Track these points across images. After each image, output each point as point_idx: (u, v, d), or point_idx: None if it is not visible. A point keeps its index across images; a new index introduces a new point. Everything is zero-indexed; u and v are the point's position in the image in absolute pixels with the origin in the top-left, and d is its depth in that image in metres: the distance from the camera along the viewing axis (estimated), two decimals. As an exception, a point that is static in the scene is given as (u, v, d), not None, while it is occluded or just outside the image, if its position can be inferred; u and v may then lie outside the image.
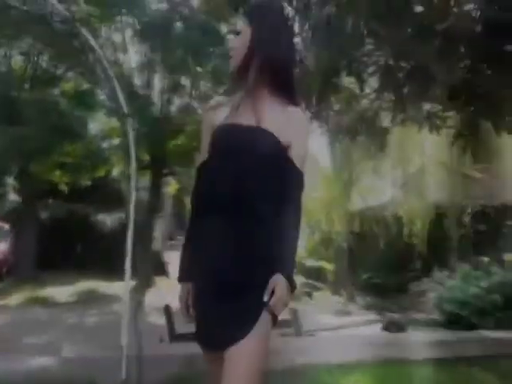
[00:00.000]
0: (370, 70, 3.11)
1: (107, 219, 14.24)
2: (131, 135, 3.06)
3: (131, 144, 3.06)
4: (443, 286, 9.26)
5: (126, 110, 3.04)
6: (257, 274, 1.37)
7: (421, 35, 2.32)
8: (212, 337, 1.42)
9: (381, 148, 4.10)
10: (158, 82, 10.29)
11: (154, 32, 7.97)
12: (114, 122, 10.20)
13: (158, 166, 10.86)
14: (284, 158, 1.45)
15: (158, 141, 9.80)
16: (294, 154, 1.46)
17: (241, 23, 1.53)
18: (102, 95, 9.57)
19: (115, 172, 13.24)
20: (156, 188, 11.47)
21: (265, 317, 1.34)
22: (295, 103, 1.53)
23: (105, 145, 11.47)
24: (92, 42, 2.93)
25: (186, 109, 10.26)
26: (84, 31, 2.90)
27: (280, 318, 1.45)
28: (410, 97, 2.97)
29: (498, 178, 10.26)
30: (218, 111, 1.53)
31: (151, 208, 11.69)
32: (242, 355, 1.32)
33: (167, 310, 4.95)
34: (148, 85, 10.09)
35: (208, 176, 1.50)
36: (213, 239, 1.43)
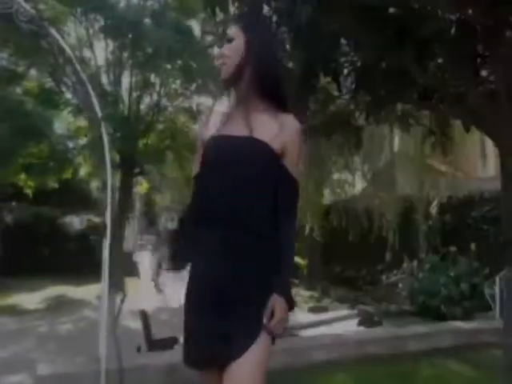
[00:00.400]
0: (347, 70, 3.14)
1: (74, 221, 13.88)
2: (106, 141, 2.97)
3: (106, 150, 2.97)
4: (414, 277, 9.56)
5: (99, 114, 2.94)
6: (254, 292, 1.37)
7: (398, 37, 2.36)
8: (205, 355, 1.39)
9: (356, 146, 4.15)
10: (127, 79, 10.04)
11: (121, 29, 7.75)
12: (81, 121, 9.91)
13: (128, 166, 10.63)
14: (277, 167, 1.44)
15: (128, 140, 9.59)
16: (288, 162, 1.46)
17: (232, 30, 1.50)
18: (67, 93, 9.25)
19: (82, 172, 12.87)
20: (127, 188, 11.24)
21: (264, 336, 1.34)
22: (286, 110, 1.52)
23: (71, 145, 11.11)
24: (62, 42, 2.82)
25: (156, 107, 10.07)
26: (53, 31, 2.79)
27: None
28: (387, 97, 3.02)
29: (461, 171, 10.64)
30: (210, 125, 1.53)
31: (122, 208, 11.45)
32: (241, 372, 1.31)
33: (143, 316, 4.81)
34: (116, 83, 9.83)
35: (201, 188, 1.49)
36: (209, 255, 1.41)
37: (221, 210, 1.40)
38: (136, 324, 5.35)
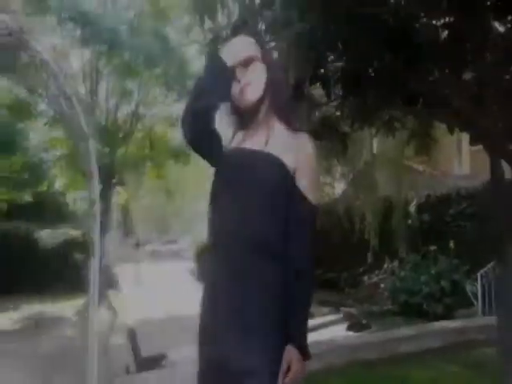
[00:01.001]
0: (335, 76, 3.15)
1: (50, 236, 13.47)
2: (93, 158, 2.89)
3: (94, 167, 2.88)
4: (395, 277, 9.69)
5: (86, 128, 2.85)
6: (267, 339, 1.29)
7: (389, 43, 2.39)
8: None
9: (342, 152, 4.18)
10: (104, 87, 9.84)
11: (98, 37, 7.61)
12: (55, 132, 9.64)
13: (106, 176, 10.41)
14: (291, 185, 1.39)
15: (105, 149, 9.41)
16: (302, 181, 1.41)
17: (247, 51, 1.45)
18: (41, 104, 8.99)
19: (58, 185, 12.53)
20: (105, 199, 11.00)
21: None
22: (296, 129, 1.50)
23: (47, 156, 10.80)
24: (45, 55, 2.72)
25: (134, 115, 9.92)
26: (34, 43, 2.69)
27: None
28: (376, 103, 3.05)
29: (438, 169, 10.91)
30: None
31: (100, 220, 11.19)
32: None
33: (131, 335, 4.63)
34: (92, 91, 9.63)
35: (216, 208, 1.45)
36: (223, 285, 1.35)
37: (235, 234, 1.36)
38: (120, 339, 5.19)
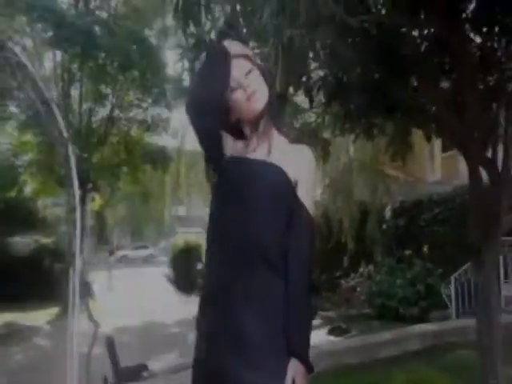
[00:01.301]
0: (318, 84, 3.18)
1: (21, 243, 12.99)
2: (73, 163, 2.79)
3: (73, 173, 2.78)
4: (372, 281, 9.84)
5: (65, 133, 2.75)
6: (268, 351, 1.27)
7: (373, 53, 2.43)
8: None
9: (324, 158, 4.21)
10: (77, 90, 9.59)
11: (72, 38, 7.41)
12: (26, 136, 9.33)
13: (80, 182, 10.11)
14: (293, 196, 1.38)
15: (79, 154, 9.15)
16: (302, 193, 1.39)
17: (242, 61, 1.43)
18: (12, 107, 8.67)
19: (28, 190, 12.10)
20: (79, 205, 10.69)
21: None
22: (291, 139, 1.51)
23: (17, 161, 10.42)
24: (23, 58, 2.62)
25: (109, 119, 9.71)
26: (11, 46, 2.59)
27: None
28: (359, 110, 3.09)
29: (412, 175, 11.17)
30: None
31: (74, 226, 10.88)
32: None
33: (110, 344, 4.43)
34: (65, 94, 9.35)
35: (218, 219, 1.42)
36: (226, 299, 1.32)
37: (237, 242, 1.35)
38: (93, 350, 5.01)
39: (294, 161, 1.41)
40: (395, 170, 11.70)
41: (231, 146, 1.43)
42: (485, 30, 3.14)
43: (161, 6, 9.44)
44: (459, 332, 5.04)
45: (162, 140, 10.74)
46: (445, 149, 11.15)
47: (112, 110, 9.82)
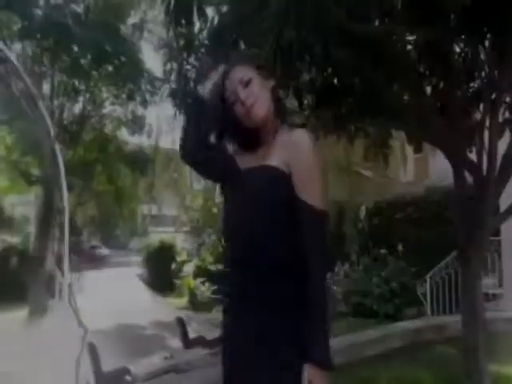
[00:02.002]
0: (308, 87, 3.17)
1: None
2: (61, 162, 2.67)
3: (62, 173, 2.66)
4: (348, 279, 9.98)
5: (52, 132, 2.62)
6: (283, 354, 1.27)
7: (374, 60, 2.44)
8: None
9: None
10: (48, 85, 9.22)
11: (42, 30, 7.11)
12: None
13: (48, 180, 9.77)
14: (292, 194, 1.33)
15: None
16: (300, 186, 1.33)
17: (243, 70, 1.45)
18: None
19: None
20: (48, 204, 10.33)
21: None
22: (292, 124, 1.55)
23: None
24: (8, 53, 2.47)
25: (82, 116, 9.40)
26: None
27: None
28: (349, 114, 3.10)
29: (385, 176, 11.39)
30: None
31: (45, 226, 10.53)
32: None
33: (91, 348, 4.31)
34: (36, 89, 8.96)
35: (224, 223, 1.47)
36: (237, 303, 1.38)
37: (241, 249, 1.39)
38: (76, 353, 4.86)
39: (290, 150, 1.36)
40: (368, 171, 11.92)
41: (239, 158, 1.47)
42: (464, 37, 3.21)
43: (137, 1, 9.24)
44: (437, 329, 5.18)
45: (137, 138, 10.54)
46: (416, 150, 11.46)
47: (85, 107, 9.52)
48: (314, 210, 1.30)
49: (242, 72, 1.43)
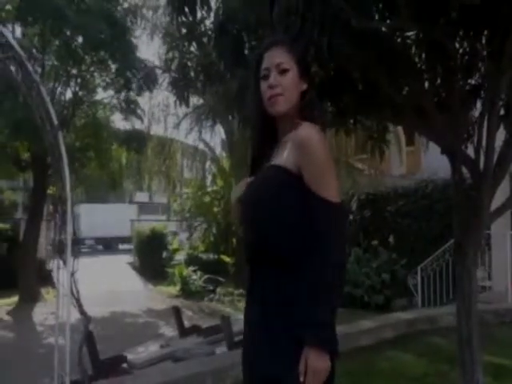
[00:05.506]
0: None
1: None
2: (63, 151, 2.62)
3: (64, 161, 2.62)
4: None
5: (56, 121, 2.57)
6: (284, 338, 1.29)
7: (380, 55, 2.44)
8: None
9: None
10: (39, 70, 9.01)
11: (35, 13, 6.94)
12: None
13: (40, 166, 9.65)
14: (300, 189, 1.30)
15: (39, 138, 8.63)
16: (310, 179, 1.29)
17: (283, 59, 1.40)
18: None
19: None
20: (39, 190, 10.22)
21: None
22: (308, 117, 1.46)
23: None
24: (11, 39, 2.41)
25: (74, 101, 9.24)
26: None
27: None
28: (352, 108, 3.10)
29: (378, 169, 11.46)
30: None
31: (35, 212, 10.42)
32: None
33: (88, 336, 4.28)
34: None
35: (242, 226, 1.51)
36: (248, 291, 1.45)
37: (251, 246, 1.44)
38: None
39: (300, 149, 1.31)
40: (361, 163, 11.99)
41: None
42: (460, 33, 3.21)
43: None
44: (428, 320, 5.27)
45: (129, 125, 10.41)
46: (408, 143, 11.54)
47: (77, 92, 9.36)
48: (330, 204, 1.27)
49: (284, 58, 1.38)
